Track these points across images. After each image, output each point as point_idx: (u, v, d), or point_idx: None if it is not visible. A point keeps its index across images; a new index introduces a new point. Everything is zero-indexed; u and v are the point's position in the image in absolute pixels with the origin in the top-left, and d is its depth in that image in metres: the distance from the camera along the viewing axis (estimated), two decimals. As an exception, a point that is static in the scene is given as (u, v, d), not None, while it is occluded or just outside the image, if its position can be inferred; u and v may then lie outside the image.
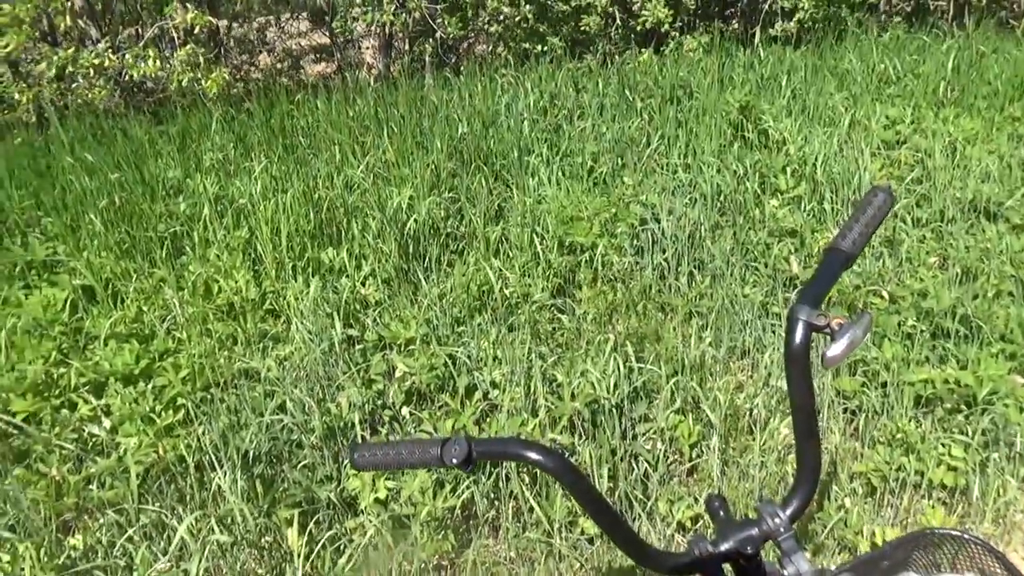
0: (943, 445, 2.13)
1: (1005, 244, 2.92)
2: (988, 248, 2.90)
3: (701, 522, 2.12)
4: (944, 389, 2.24)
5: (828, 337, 0.91)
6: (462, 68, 5.95)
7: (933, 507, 2.04)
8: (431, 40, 6.59)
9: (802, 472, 0.96)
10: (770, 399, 2.38)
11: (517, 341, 2.60)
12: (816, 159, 3.64)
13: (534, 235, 3.21)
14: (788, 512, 0.94)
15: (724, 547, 0.93)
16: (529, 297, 2.87)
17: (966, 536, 0.98)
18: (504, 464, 2.13)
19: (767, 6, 6.22)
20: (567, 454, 2.17)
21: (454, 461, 0.94)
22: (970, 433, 2.14)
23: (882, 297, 2.65)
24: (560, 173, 3.80)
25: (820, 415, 2.37)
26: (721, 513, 0.99)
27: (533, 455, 0.95)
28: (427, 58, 6.60)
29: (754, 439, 2.25)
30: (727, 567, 0.96)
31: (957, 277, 2.80)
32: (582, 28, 6.14)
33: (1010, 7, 6.73)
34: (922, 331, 2.46)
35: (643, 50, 5.87)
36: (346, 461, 2.21)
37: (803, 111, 4.53)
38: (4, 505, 2.01)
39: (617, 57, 5.93)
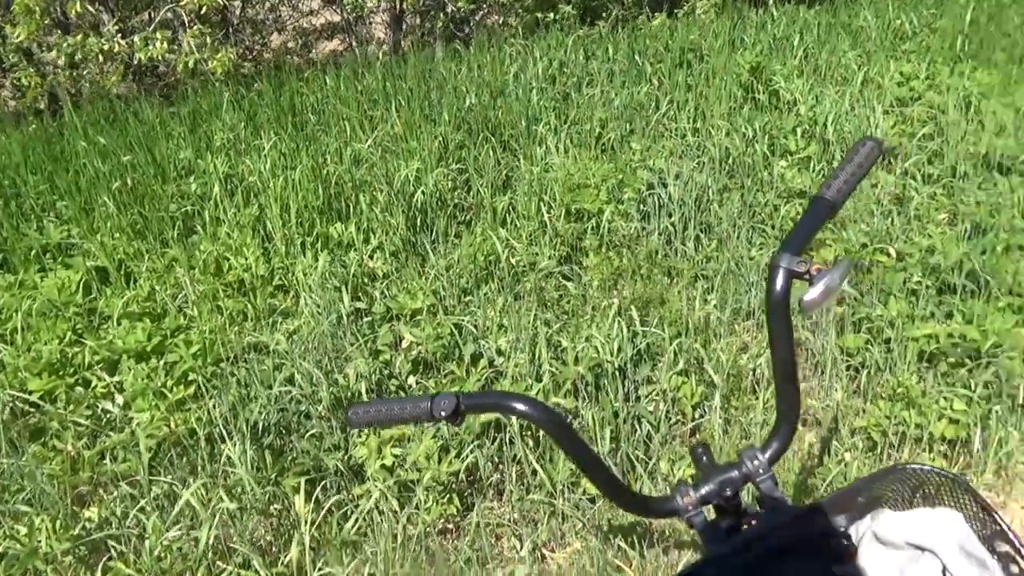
0: (945, 399, 2.12)
1: (1017, 197, 2.87)
2: (999, 202, 2.85)
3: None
4: (948, 344, 2.22)
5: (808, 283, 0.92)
6: (472, 40, 5.91)
7: (933, 459, 2.03)
8: (442, 14, 6.56)
9: (781, 416, 0.98)
10: (774, 359, 2.37)
11: (523, 309, 2.61)
12: (827, 119, 3.58)
13: (541, 203, 3.20)
14: (767, 455, 0.96)
15: (705, 490, 0.96)
16: (535, 265, 2.88)
17: (940, 472, 0.98)
18: (507, 428, 2.16)
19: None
20: (569, 418, 2.20)
21: (442, 414, 0.97)
22: (972, 387, 2.12)
23: (889, 255, 2.63)
24: (568, 141, 3.78)
25: (824, 372, 2.36)
26: (704, 459, 1.02)
27: (519, 406, 0.99)
28: (437, 31, 6.58)
29: (757, 398, 2.25)
30: (709, 510, 0.98)
31: (966, 232, 2.76)
32: (593, -6, 6.08)
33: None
34: (927, 287, 2.42)
35: (656, 14, 5.80)
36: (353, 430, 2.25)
37: (815, 71, 4.45)
38: (22, 481, 2.08)
39: (629, 22, 5.85)
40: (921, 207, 2.92)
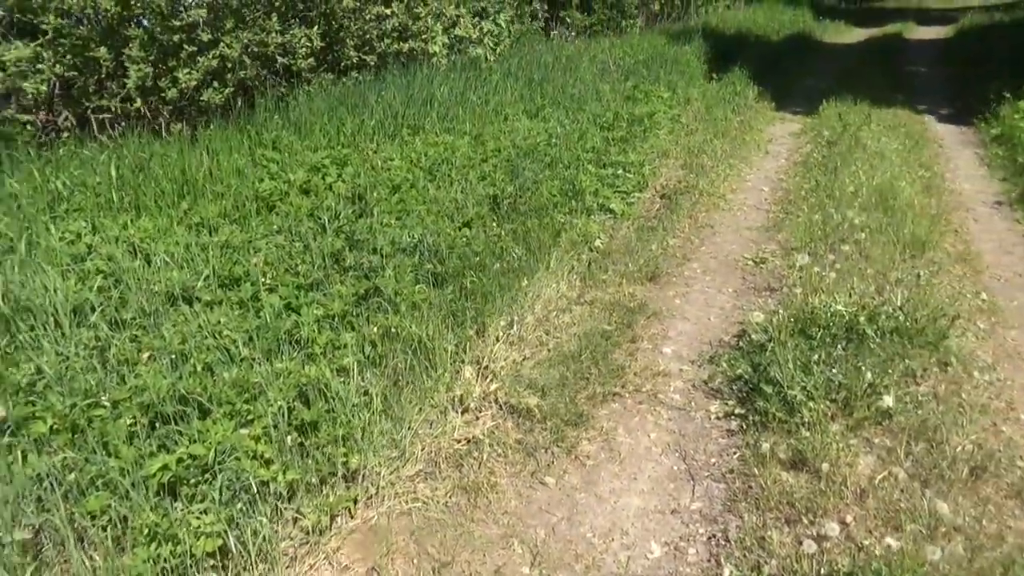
0: (197, 519, 2.21)
1: (202, 321, 3.20)
2: (188, 329, 3.13)
3: None
4: (181, 468, 2.33)
5: None
6: None
7: (209, 577, 2.11)
8: None
9: None
10: None
11: None
12: (-4, 293, 3.36)
13: None
14: None
15: None
16: None
17: None
18: None
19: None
20: None
21: None
22: (216, 497, 2.28)
23: (104, 407, 2.61)
24: None
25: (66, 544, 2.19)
26: None
27: None
28: None
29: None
30: None
31: (172, 363, 2.95)
32: None
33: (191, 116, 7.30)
34: (144, 424, 2.50)
35: None
36: None
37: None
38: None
39: None
40: (123, 353, 2.99)
